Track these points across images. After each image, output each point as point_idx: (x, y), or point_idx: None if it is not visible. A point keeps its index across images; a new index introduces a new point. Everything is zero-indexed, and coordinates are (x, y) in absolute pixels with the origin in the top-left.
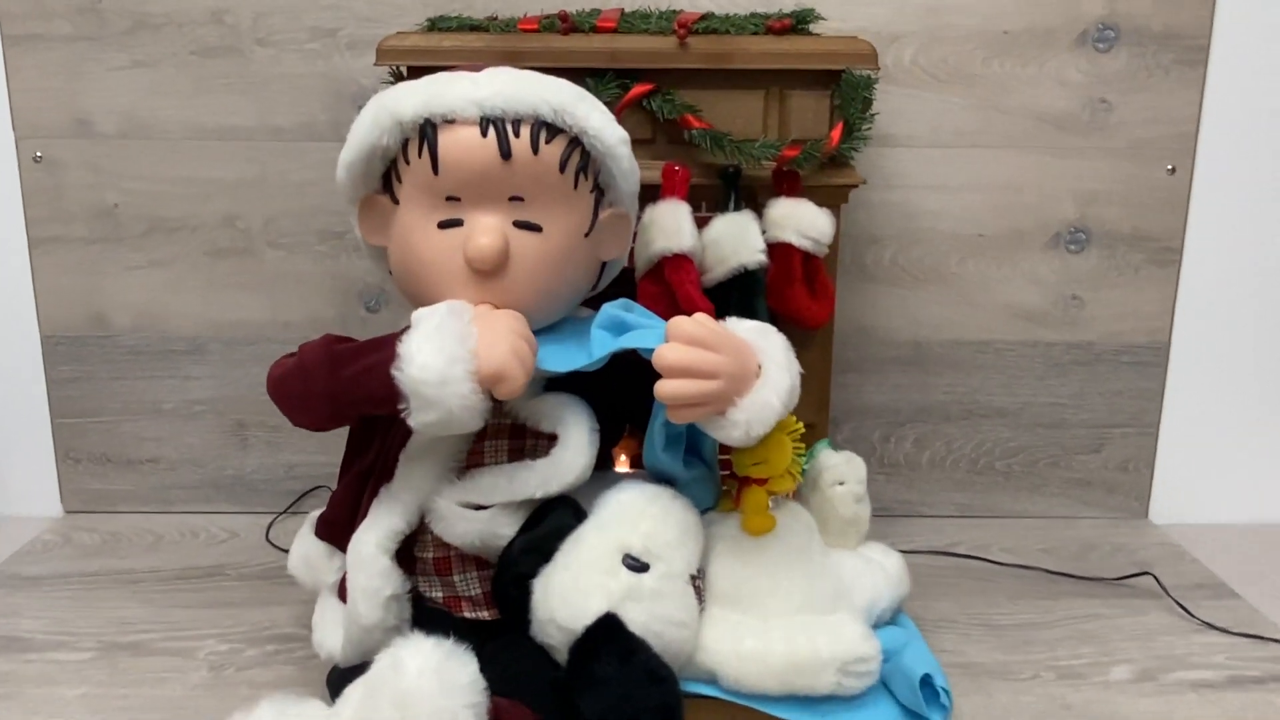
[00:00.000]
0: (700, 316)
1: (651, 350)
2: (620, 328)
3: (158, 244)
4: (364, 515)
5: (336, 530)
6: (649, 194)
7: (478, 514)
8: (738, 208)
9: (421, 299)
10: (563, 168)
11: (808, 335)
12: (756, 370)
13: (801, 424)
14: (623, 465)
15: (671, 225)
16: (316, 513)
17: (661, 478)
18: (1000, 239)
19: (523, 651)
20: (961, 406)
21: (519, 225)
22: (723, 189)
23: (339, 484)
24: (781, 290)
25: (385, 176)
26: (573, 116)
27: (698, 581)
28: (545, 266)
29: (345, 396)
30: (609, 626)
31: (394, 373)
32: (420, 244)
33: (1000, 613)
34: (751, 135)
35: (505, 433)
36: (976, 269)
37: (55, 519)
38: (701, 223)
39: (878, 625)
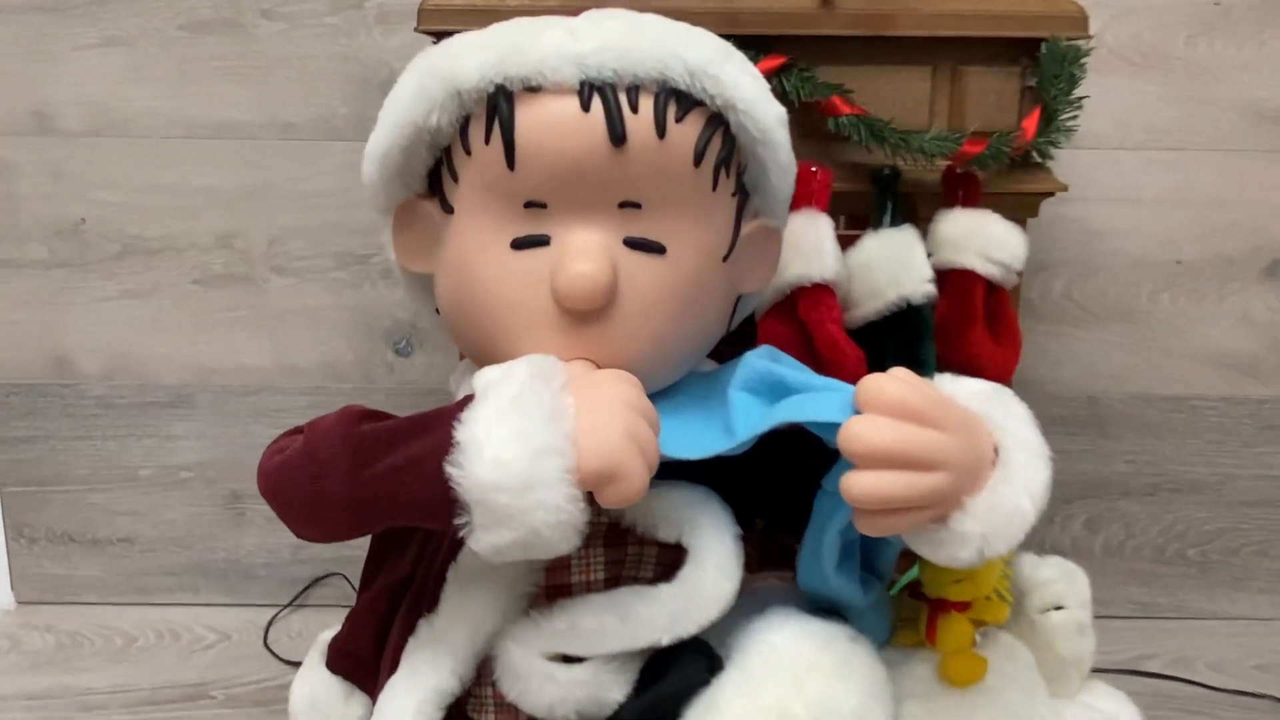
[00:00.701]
0: (904, 374)
1: (832, 426)
2: (775, 389)
3: (134, 270)
4: (395, 650)
5: (356, 665)
6: None
7: (574, 671)
8: (896, 222)
9: (484, 350)
10: (698, 159)
11: None
12: (993, 456)
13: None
14: None
15: (810, 245)
16: (328, 635)
17: (823, 602)
18: (1203, 267)
19: None
20: (1146, 479)
21: (633, 245)
22: (875, 197)
23: (359, 599)
24: (957, 332)
25: (434, 174)
26: (716, 82)
27: None
28: (669, 304)
29: (374, 505)
30: None
31: (450, 471)
32: (485, 271)
33: None
34: (916, 125)
35: (599, 539)
36: (1172, 305)
37: (3, 612)
38: (844, 242)
39: None
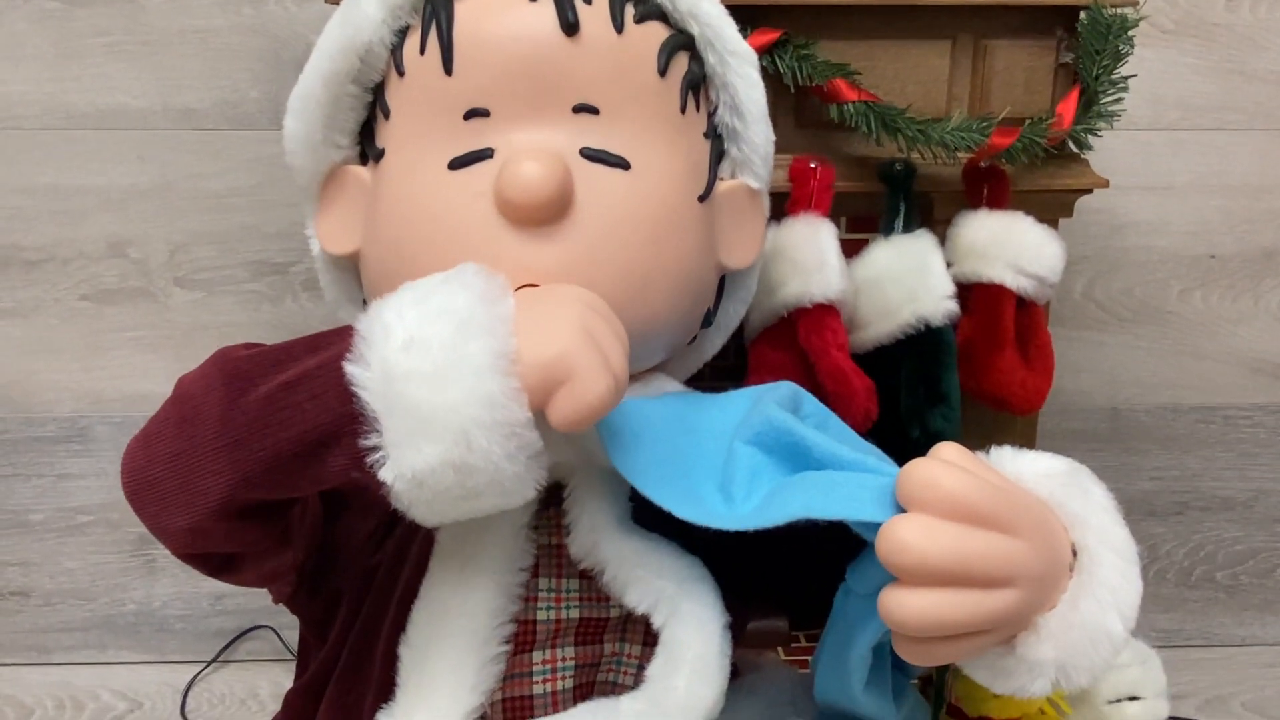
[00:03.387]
0: (956, 454)
1: (871, 526)
2: (792, 454)
3: (12, 285)
4: None
5: None
6: (771, 210)
7: None
8: (910, 227)
9: None
10: (663, 69)
11: (1007, 419)
12: (1070, 560)
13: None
14: None
15: (810, 258)
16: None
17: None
18: (1240, 262)
19: None
20: (1173, 496)
21: (591, 156)
22: (886, 197)
23: (295, 684)
24: (983, 358)
25: (365, 132)
26: None
27: None
28: (637, 225)
29: (258, 441)
30: None
31: (351, 371)
32: (419, 198)
33: None
34: (932, 110)
35: (569, 635)
36: (1204, 305)
37: None
38: (847, 249)
39: None
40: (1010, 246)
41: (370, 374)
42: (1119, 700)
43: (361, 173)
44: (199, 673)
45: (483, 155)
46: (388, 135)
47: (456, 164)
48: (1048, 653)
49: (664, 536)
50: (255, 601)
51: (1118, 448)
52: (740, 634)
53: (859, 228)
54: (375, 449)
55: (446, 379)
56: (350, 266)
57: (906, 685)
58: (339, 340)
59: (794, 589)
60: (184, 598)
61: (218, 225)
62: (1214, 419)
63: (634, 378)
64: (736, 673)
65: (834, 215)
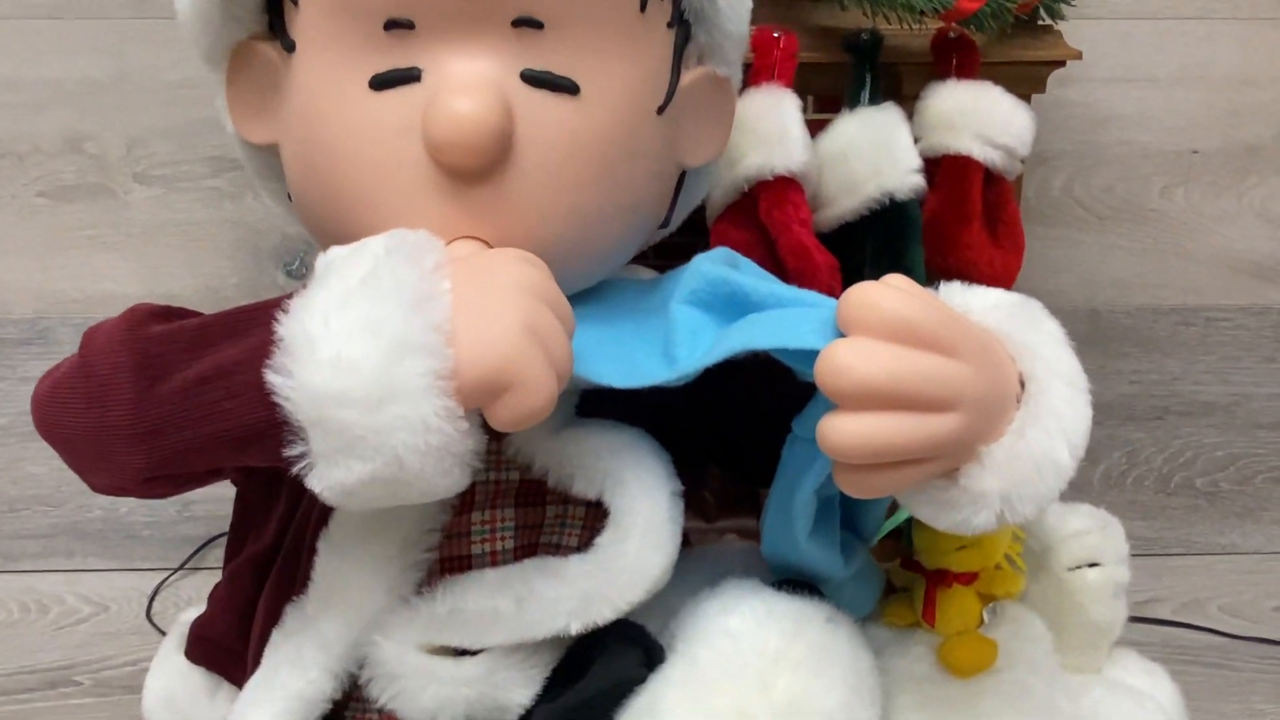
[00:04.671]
0: (902, 282)
1: (807, 354)
2: (731, 303)
3: None
4: (259, 640)
5: (219, 653)
6: None
7: (462, 666)
8: (876, 100)
9: (342, 233)
10: None
11: None
12: (1018, 390)
13: None
14: None
15: (771, 129)
16: (190, 615)
17: (793, 573)
18: (1223, 158)
19: None
20: (1153, 400)
21: (533, 80)
22: (852, 71)
23: (224, 574)
24: (950, 233)
25: (272, 4)
26: None
27: None
28: (585, 163)
29: (174, 436)
30: None
31: (272, 380)
32: (337, 122)
33: None
34: None
35: (508, 497)
36: (1186, 202)
37: None
38: (814, 130)
39: None
40: (978, 116)
41: (294, 387)
42: (1078, 567)
43: (271, 53)
44: (165, 579)
45: (409, 76)
46: (298, 27)
47: (379, 83)
48: (992, 484)
49: (604, 418)
50: (224, 508)
51: (1096, 350)
52: (699, 503)
53: (826, 107)
54: (299, 456)
55: (378, 403)
56: (268, 153)
57: (859, 546)
58: (259, 327)
59: (746, 450)
60: (151, 505)
61: (175, 119)
62: (1195, 321)
63: None
64: (689, 543)
65: (801, 93)
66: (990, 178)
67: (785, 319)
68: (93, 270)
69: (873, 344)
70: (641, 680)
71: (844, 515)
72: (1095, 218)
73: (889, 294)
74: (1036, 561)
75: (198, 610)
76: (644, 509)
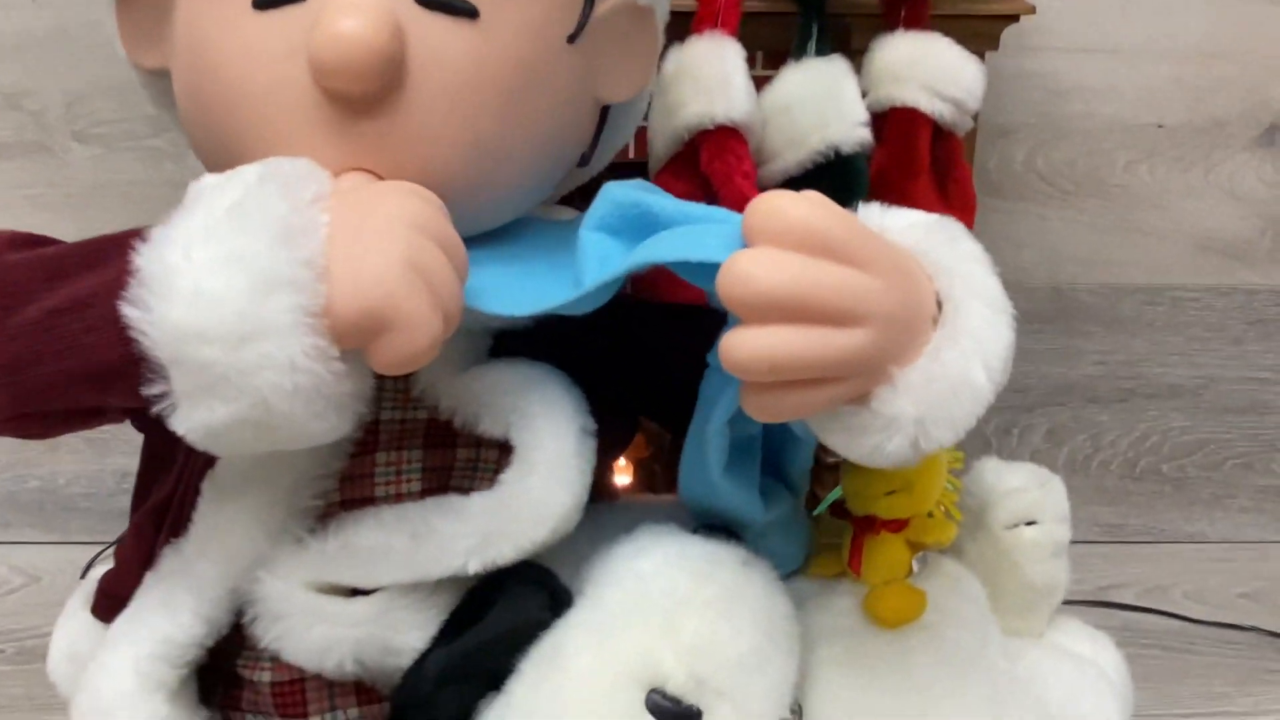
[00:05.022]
0: (815, 196)
1: (713, 267)
2: (640, 225)
3: None
4: None
5: (123, 608)
6: (675, 30)
7: (352, 606)
8: (823, 52)
9: (229, 158)
10: None
11: None
12: (934, 310)
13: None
14: (623, 475)
15: (714, 77)
16: (99, 572)
17: (714, 520)
18: (1189, 132)
19: None
20: (1118, 382)
21: (427, 2)
22: (799, 21)
23: (129, 527)
24: (897, 187)
25: None
26: None
27: None
28: (487, 91)
29: (32, 370)
30: None
31: (128, 314)
32: (220, 43)
33: (1225, 712)
34: None
35: (415, 437)
36: (1151, 177)
37: None
38: (760, 84)
39: None
40: (926, 67)
41: (152, 321)
42: (1015, 525)
43: None
44: (101, 551)
45: None
46: None
47: (262, 2)
48: (906, 408)
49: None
50: None
51: (1060, 329)
52: (649, 475)
53: (776, 64)
54: (162, 396)
55: (241, 340)
56: (161, 79)
57: (781, 492)
58: (118, 258)
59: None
60: (88, 475)
61: (116, 76)
62: (1161, 300)
63: None
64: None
65: (750, 47)
66: (940, 133)
67: (692, 234)
68: (30, 230)
69: (777, 253)
70: (545, 625)
71: (769, 461)
72: (1058, 192)
73: (797, 202)
74: (974, 520)
75: (106, 566)
76: (550, 445)
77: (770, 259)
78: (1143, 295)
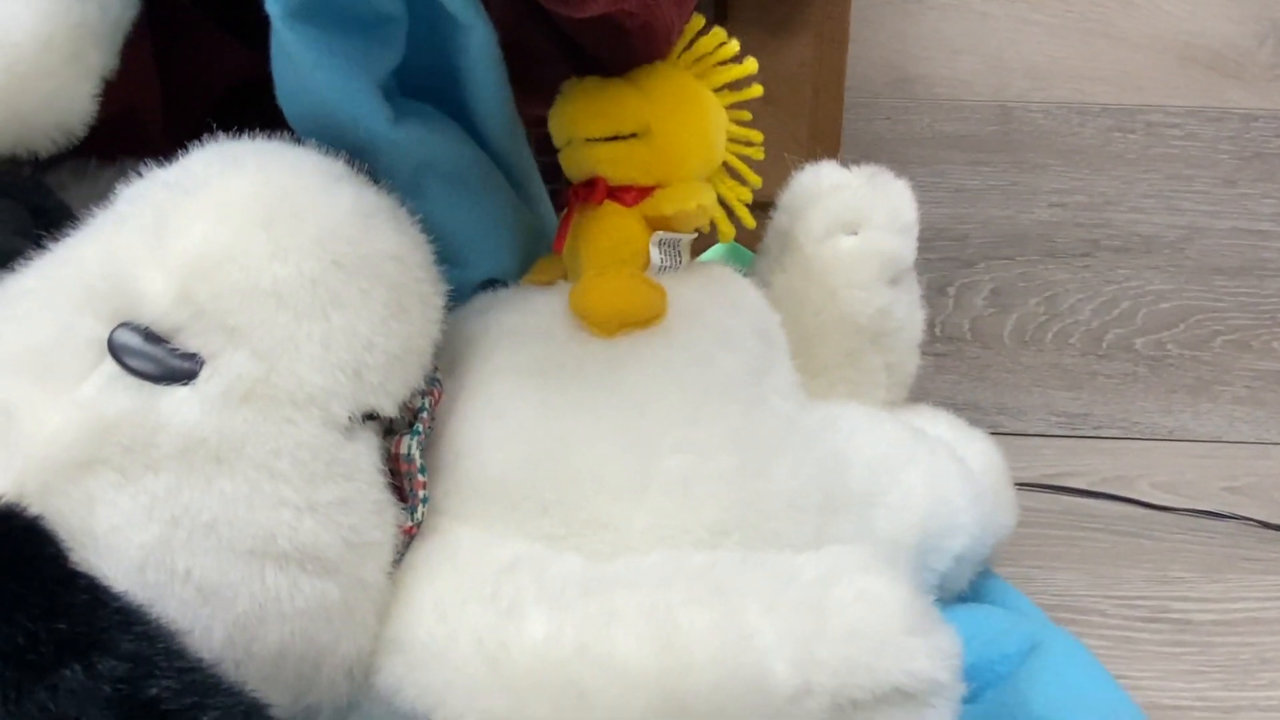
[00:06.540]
0: None
1: None
2: None
3: None
4: None
5: None
6: None
7: None
8: None
9: None
10: None
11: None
12: None
13: (735, 42)
14: None
15: None
16: None
17: (317, 126)
18: None
19: None
20: (1079, 231)
21: None
22: None
23: None
24: None
25: None
26: None
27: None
28: None
29: None
30: None
31: None
32: None
33: (1183, 596)
34: None
35: None
36: None
37: None
38: None
39: (946, 598)
40: None
41: None
42: (831, 237)
43: None
44: None
45: None
46: None
47: None
48: None
49: None
50: None
51: (1006, 159)
52: None
53: None
54: None
55: None
56: None
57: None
58: None
59: None
60: None
61: None
62: (1134, 126)
63: None
64: None
65: None
66: None
67: None
68: None
69: None
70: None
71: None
72: None
73: None
74: (782, 240)
75: None
76: None
77: None
78: (1109, 119)
